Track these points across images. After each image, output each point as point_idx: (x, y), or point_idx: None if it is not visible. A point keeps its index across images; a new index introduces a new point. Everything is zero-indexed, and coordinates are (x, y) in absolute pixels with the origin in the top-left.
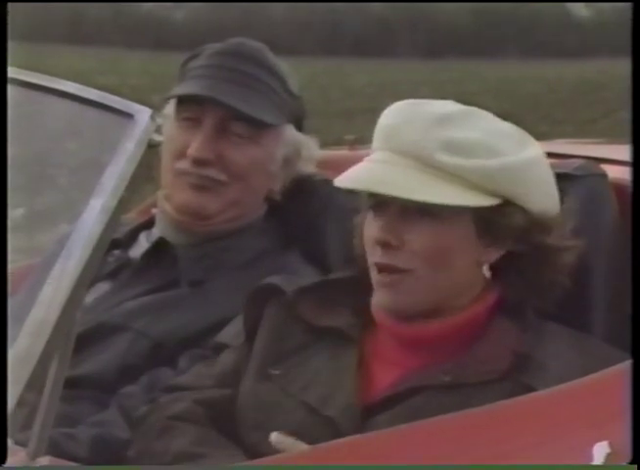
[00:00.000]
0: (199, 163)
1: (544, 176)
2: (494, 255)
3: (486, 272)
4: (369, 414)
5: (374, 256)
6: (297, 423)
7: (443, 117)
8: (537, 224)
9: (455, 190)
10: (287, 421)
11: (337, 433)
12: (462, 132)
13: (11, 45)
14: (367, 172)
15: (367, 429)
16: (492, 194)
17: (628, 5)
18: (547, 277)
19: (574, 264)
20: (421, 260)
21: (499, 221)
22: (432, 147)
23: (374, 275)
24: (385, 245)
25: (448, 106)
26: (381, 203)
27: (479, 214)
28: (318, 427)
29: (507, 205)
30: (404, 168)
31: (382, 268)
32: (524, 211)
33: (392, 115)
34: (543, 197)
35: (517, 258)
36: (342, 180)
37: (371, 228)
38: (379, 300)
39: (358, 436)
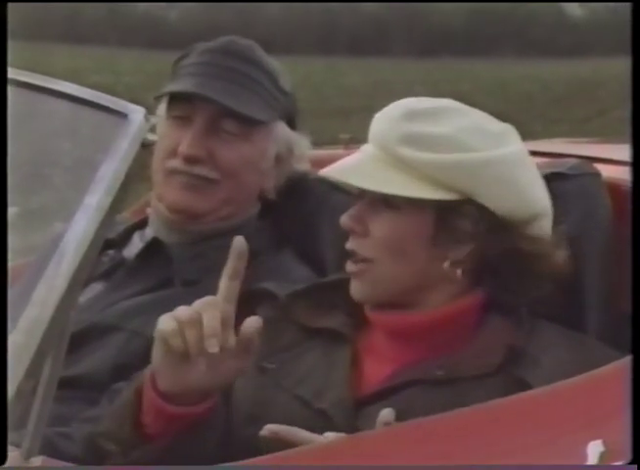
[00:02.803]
0: (190, 160)
1: (515, 176)
2: (458, 253)
3: (458, 272)
4: (362, 407)
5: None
6: (291, 416)
7: (414, 111)
8: (503, 226)
9: (411, 182)
10: (281, 414)
11: (330, 425)
12: (427, 127)
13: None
14: (345, 163)
15: (360, 421)
16: (451, 189)
17: (623, 4)
18: (528, 280)
19: (564, 272)
20: (381, 250)
21: (458, 218)
22: (393, 139)
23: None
24: (351, 232)
25: (430, 102)
26: (359, 192)
27: (439, 209)
28: (311, 420)
29: (468, 202)
30: (372, 159)
31: (349, 255)
32: (485, 210)
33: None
34: (511, 197)
35: (493, 260)
36: (327, 170)
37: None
38: (351, 289)
39: (354, 435)
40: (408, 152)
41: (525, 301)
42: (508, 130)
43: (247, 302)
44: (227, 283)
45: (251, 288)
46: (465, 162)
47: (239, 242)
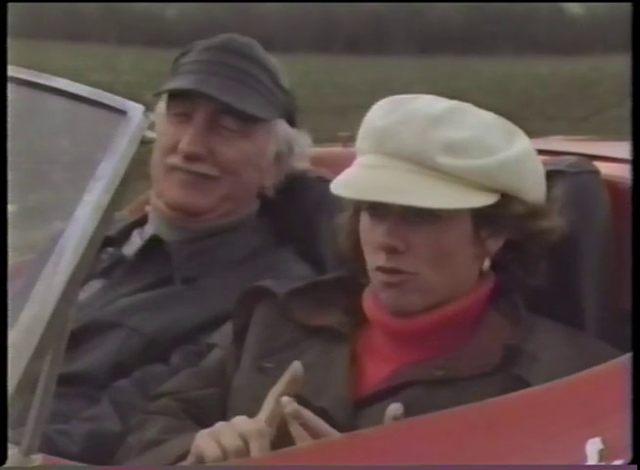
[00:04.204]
0: (190, 157)
1: (535, 165)
2: (493, 247)
3: (486, 264)
4: (362, 406)
5: (377, 260)
6: None
7: (437, 117)
8: (533, 212)
9: (458, 192)
10: None
11: (330, 424)
12: (457, 132)
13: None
14: (367, 180)
15: (360, 420)
16: (492, 190)
17: (622, 3)
18: (539, 257)
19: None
20: (426, 263)
21: (497, 215)
22: (432, 149)
23: (377, 276)
24: (391, 250)
25: (435, 103)
26: (379, 206)
27: (477, 210)
28: None
29: (505, 198)
30: (405, 173)
31: (386, 272)
32: (521, 201)
33: (382, 116)
34: (537, 185)
35: (513, 245)
36: (341, 188)
37: (371, 232)
38: (385, 299)
39: (352, 433)
40: (450, 161)
41: (532, 282)
42: (504, 121)
43: (245, 300)
44: (274, 406)
45: (248, 286)
46: (504, 162)
47: (296, 366)
